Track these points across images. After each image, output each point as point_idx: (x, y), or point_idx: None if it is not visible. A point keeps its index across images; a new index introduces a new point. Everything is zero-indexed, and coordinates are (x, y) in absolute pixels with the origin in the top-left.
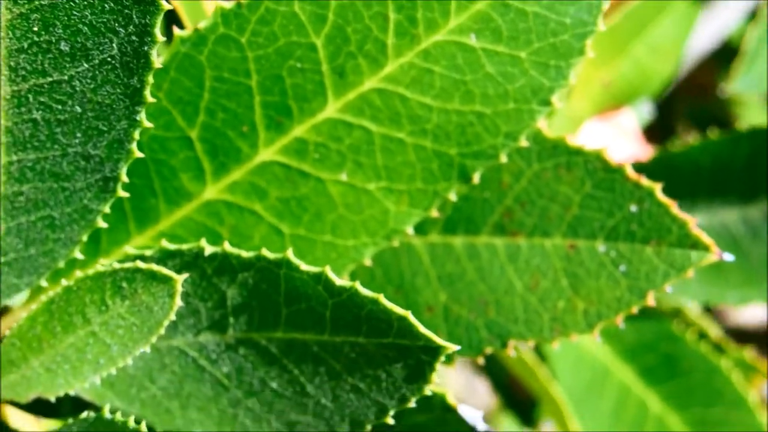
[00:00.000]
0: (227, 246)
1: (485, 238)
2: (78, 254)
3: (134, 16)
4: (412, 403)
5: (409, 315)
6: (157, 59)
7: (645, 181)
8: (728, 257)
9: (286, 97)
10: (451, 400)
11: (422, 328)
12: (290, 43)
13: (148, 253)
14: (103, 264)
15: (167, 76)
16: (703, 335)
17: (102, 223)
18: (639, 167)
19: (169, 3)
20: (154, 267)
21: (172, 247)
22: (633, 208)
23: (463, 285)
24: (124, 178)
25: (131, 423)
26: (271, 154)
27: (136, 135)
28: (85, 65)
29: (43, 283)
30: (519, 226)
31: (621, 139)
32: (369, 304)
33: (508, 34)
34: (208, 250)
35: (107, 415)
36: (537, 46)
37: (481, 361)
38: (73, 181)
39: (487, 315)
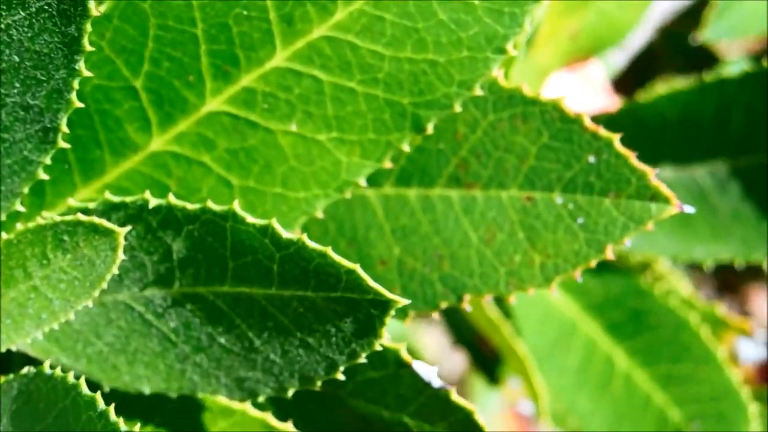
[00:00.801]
0: (172, 198)
1: (440, 189)
2: (20, 207)
3: None
4: (362, 359)
5: (357, 268)
6: (97, 7)
7: (603, 132)
8: (689, 209)
9: (233, 45)
10: (405, 355)
11: (371, 282)
12: None
13: (91, 205)
14: (44, 217)
15: (110, 24)
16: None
17: (43, 175)
18: (606, 119)
19: None
20: (96, 220)
21: (115, 199)
22: (591, 159)
23: (417, 238)
24: (65, 129)
25: (70, 378)
26: (219, 104)
27: (76, 84)
28: (22, 13)
29: None
30: (474, 178)
31: (589, 90)
32: (317, 257)
33: None
34: (153, 202)
35: (47, 370)
36: None
37: (435, 315)
38: (12, 132)
39: (442, 269)
